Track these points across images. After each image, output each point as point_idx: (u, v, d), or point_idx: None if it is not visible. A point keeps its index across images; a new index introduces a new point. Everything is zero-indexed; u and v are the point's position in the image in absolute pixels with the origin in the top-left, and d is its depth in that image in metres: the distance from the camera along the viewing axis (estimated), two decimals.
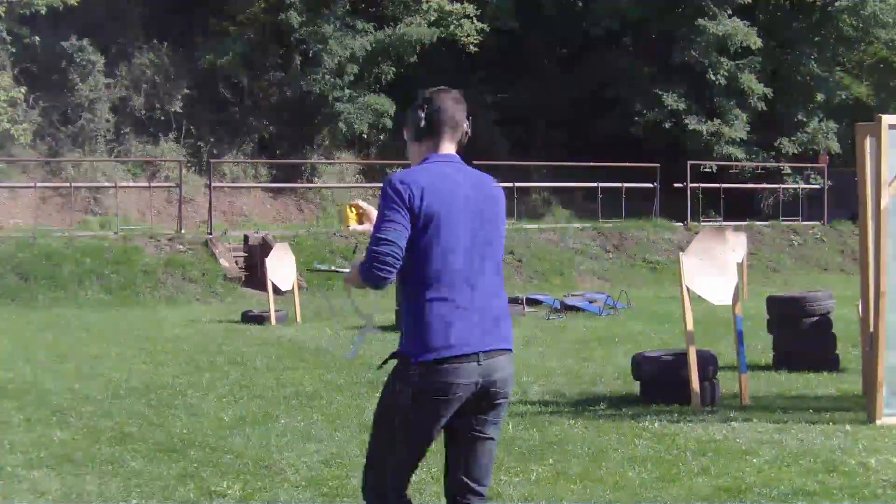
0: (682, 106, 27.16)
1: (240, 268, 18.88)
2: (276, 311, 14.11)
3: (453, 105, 3.74)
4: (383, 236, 3.45)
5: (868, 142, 7.37)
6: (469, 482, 3.62)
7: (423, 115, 3.71)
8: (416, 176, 3.56)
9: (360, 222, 3.81)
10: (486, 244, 3.63)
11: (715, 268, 8.19)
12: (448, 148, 3.75)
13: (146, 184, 22.35)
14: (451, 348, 3.47)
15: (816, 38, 29.64)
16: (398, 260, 3.44)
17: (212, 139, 25.37)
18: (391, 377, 3.61)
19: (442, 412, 3.51)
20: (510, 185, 24.20)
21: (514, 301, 15.87)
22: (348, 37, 24.80)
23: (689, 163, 25.02)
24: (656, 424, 7.26)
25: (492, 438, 3.64)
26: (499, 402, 3.62)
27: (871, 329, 7.29)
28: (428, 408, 3.50)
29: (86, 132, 23.52)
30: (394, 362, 3.62)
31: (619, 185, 24.19)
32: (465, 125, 3.77)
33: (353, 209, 3.81)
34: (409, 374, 3.50)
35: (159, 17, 25.72)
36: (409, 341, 3.52)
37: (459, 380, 3.47)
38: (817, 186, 27.53)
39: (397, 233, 3.45)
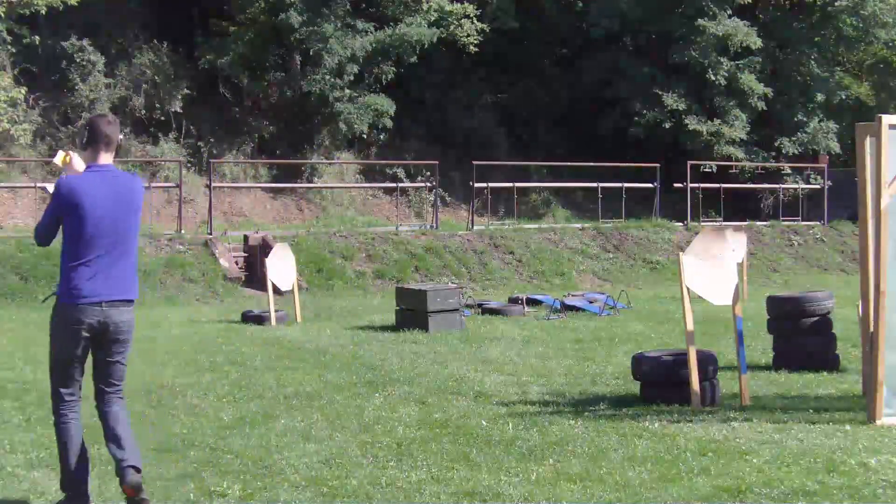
0: (682, 106, 27.15)
1: (240, 268, 18.88)
2: (276, 311, 14.11)
3: (108, 127, 5.43)
4: (43, 222, 5.40)
5: (868, 142, 7.37)
6: (105, 387, 5.46)
7: (85, 133, 5.42)
8: (73, 181, 5.31)
9: (66, 162, 5.46)
10: (120, 227, 5.35)
11: (715, 268, 8.19)
12: (104, 158, 5.43)
13: (146, 184, 22.32)
14: (83, 298, 5.25)
15: (816, 38, 29.63)
16: (49, 236, 5.39)
17: (212, 139, 25.36)
18: (53, 309, 5.39)
19: (77, 336, 5.30)
20: (510, 184, 24.24)
21: (514, 301, 15.89)
22: (348, 37, 24.79)
23: (689, 163, 25.02)
24: (656, 424, 7.26)
25: (118, 361, 5.46)
26: (120, 337, 5.39)
27: (871, 329, 7.29)
28: (68, 332, 5.31)
29: None
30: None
31: (619, 185, 24.18)
32: (118, 140, 5.49)
33: (67, 156, 5.47)
34: (59, 310, 5.33)
35: (159, 17, 25.71)
36: (61, 289, 5.31)
37: (86, 317, 5.27)
38: (817, 186, 27.53)
39: (50, 221, 5.35)
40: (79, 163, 5.43)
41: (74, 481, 5.38)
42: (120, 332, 5.37)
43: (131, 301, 5.40)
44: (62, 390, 5.40)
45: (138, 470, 5.26)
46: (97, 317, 5.28)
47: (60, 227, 5.37)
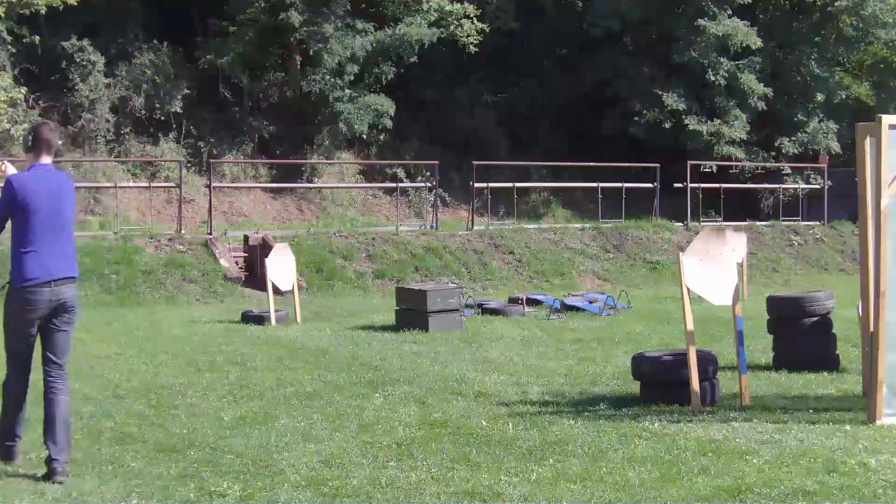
0: (682, 106, 27.15)
1: (240, 268, 18.87)
2: (276, 311, 14.11)
3: (49, 133, 6.41)
4: None
5: (868, 142, 7.37)
6: (52, 356, 6.25)
7: (30, 138, 6.39)
8: (21, 179, 6.23)
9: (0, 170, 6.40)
10: (60, 216, 6.22)
11: (715, 268, 8.19)
12: (45, 159, 6.38)
13: (146, 184, 22.32)
14: (34, 280, 6.09)
15: (816, 38, 29.62)
16: (0, 228, 6.19)
17: (212, 139, 25.36)
18: (6, 295, 6.16)
19: (32, 315, 6.14)
20: (510, 185, 24.24)
21: (514, 301, 15.89)
22: (348, 37, 24.79)
23: (689, 163, 25.01)
24: (656, 424, 7.26)
25: (65, 331, 6.28)
26: (68, 310, 6.24)
27: (871, 329, 7.29)
28: (23, 312, 6.13)
29: (86, 132, 23.51)
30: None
31: (619, 185, 24.17)
32: (57, 144, 6.49)
33: (1, 164, 6.47)
34: (13, 293, 6.14)
35: (159, 17, 25.71)
36: (14, 274, 6.13)
37: (39, 297, 6.11)
38: (817, 186, 27.52)
39: (2, 214, 6.19)
40: (10, 169, 6.41)
41: (8, 426, 6.26)
42: (67, 305, 6.23)
43: (74, 278, 6.28)
44: (14, 360, 6.24)
45: (66, 463, 6.06)
46: (49, 294, 6.12)
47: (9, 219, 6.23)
